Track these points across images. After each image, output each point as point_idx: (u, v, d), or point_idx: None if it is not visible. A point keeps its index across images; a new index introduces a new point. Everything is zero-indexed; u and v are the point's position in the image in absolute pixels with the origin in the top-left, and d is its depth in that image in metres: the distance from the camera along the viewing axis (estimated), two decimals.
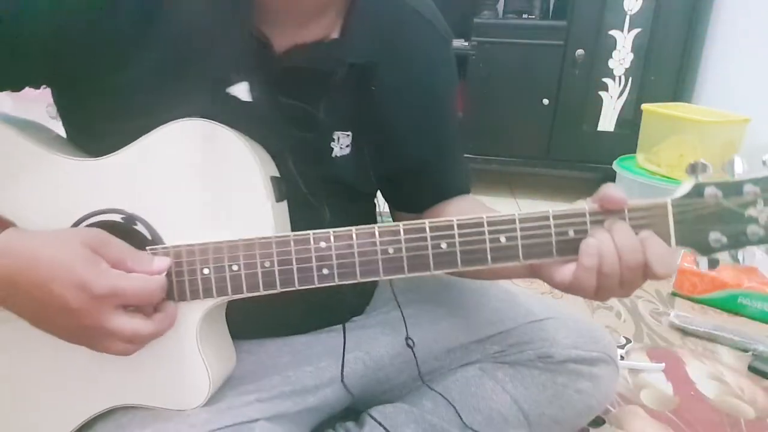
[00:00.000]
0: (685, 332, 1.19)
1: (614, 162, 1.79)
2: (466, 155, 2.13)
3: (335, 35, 0.59)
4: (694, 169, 0.50)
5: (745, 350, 1.12)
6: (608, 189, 0.50)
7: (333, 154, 0.62)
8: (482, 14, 2.01)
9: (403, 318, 0.70)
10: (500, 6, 2.14)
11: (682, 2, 1.81)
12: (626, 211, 0.50)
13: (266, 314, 0.61)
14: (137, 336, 0.50)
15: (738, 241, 0.50)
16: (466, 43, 1.98)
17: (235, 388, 0.61)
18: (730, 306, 1.29)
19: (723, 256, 0.51)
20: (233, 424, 0.57)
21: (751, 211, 0.49)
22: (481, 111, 2.02)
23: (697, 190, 0.50)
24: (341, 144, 0.62)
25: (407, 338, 0.69)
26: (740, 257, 0.50)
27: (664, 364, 1.06)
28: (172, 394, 0.56)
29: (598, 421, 0.88)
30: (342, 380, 0.63)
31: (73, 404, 0.56)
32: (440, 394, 0.70)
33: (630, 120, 1.91)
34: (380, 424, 0.66)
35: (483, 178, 2.13)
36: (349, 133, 0.63)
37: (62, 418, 0.56)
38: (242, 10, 0.54)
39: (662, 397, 0.98)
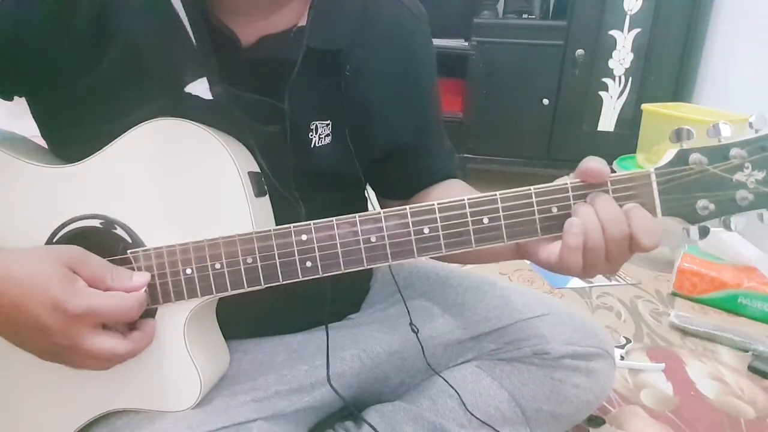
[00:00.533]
0: (685, 332, 1.18)
1: (614, 162, 1.79)
2: (466, 155, 2.14)
3: (302, 23, 0.57)
4: (678, 135, 0.48)
5: (745, 350, 1.11)
6: (589, 161, 0.49)
7: (312, 145, 0.61)
8: (482, 14, 2.00)
9: (405, 305, 0.69)
10: (500, 6, 2.15)
11: (682, 2, 1.82)
12: (609, 184, 0.49)
13: (260, 313, 0.61)
14: (114, 356, 0.49)
15: (727, 208, 0.48)
16: (466, 43, 1.98)
17: (231, 387, 0.60)
18: (730, 306, 1.28)
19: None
20: (231, 424, 0.56)
21: (738, 176, 0.48)
22: (481, 111, 2.02)
23: (682, 157, 0.48)
24: (320, 134, 0.61)
25: (411, 324, 0.68)
26: (732, 225, 0.49)
27: (664, 364, 1.05)
28: (165, 397, 0.55)
29: (598, 421, 0.87)
30: (329, 382, 0.62)
31: (66, 411, 0.55)
32: (444, 378, 0.69)
33: (630, 120, 1.91)
34: (375, 429, 0.66)
35: (483, 178, 2.13)
36: (329, 121, 0.61)
37: (56, 426, 0.56)
38: (194, 4, 0.53)
39: (662, 397, 0.97)
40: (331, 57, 0.59)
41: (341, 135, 0.62)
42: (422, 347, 0.69)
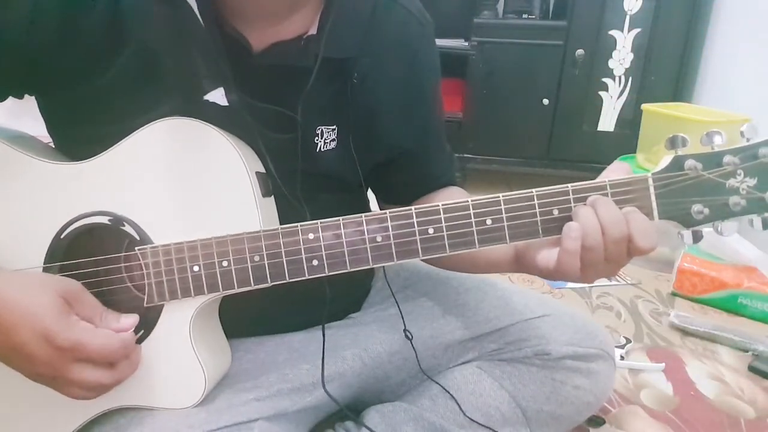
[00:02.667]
0: (685, 332, 1.18)
1: (614, 162, 1.79)
2: (466, 155, 2.14)
3: (313, 31, 0.58)
4: (673, 142, 0.50)
5: (745, 350, 1.11)
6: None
7: (317, 150, 0.62)
8: (482, 14, 2.00)
9: (400, 311, 0.70)
10: (500, 6, 2.14)
11: (682, 2, 1.81)
12: (608, 187, 0.51)
13: (261, 312, 0.61)
14: (99, 386, 0.50)
15: (721, 213, 0.50)
16: (466, 43, 1.98)
17: (233, 386, 0.61)
18: (730, 306, 1.28)
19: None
20: (233, 423, 0.56)
21: (731, 182, 0.50)
22: (481, 111, 2.02)
23: (677, 163, 0.50)
24: (326, 138, 0.62)
25: (405, 330, 0.69)
26: (726, 232, 0.50)
27: (664, 364, 1.05)
28: (169, 394, 0.56)
29: (598, 421, 0.87)
30: (323, 386, 0.62)
31: (70, 408, 0.55)
32: (440, 384, 0.70)
33: (630, 120, 1.91)
34: None
35: (483, 178, 2.13)
36: (334, 126, 0.62)
37: (60, 422, 0.56)
38: (208, 10, 0.53)
39: (662, 397, 0.97)
40: (340, 64, 0.60)
41: (346, 140, 0.63)
42: (416, 353, 0.69)
